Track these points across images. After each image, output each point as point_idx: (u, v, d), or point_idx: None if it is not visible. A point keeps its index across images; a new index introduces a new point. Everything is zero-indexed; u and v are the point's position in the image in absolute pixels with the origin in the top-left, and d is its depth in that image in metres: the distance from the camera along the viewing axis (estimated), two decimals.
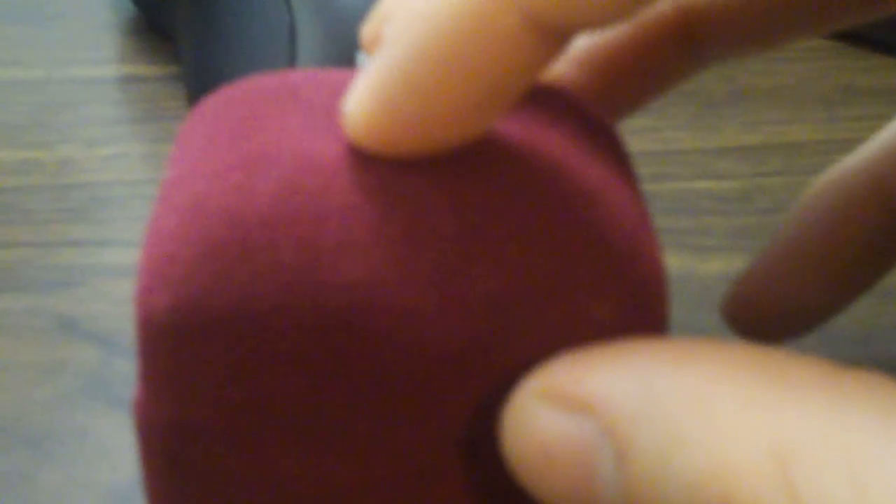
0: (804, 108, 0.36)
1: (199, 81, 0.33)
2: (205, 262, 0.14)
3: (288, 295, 0.14)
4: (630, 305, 0.15)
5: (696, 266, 0.28)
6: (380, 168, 0.15)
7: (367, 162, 0.15)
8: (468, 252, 0.15)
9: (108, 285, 0.27)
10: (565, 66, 0.21)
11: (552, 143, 0.16)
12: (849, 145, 0.33)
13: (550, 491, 0.14)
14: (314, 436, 0.15)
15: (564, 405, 0.13)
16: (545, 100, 0.17)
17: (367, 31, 0.16)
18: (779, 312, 0.22)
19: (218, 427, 0.15)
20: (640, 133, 0.34)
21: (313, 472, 0.16)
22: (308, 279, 0.14)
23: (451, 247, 0.15)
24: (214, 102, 0.17)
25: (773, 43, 0.21)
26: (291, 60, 0.31)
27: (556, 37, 0.14)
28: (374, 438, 0.15)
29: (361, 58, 0.31)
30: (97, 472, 0.21)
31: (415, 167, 0.15)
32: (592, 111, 0.18)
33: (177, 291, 0.14)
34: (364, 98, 0.15)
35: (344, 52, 0.31)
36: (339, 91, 0.17)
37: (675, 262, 0.28)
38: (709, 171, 0.32)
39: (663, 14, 0.20)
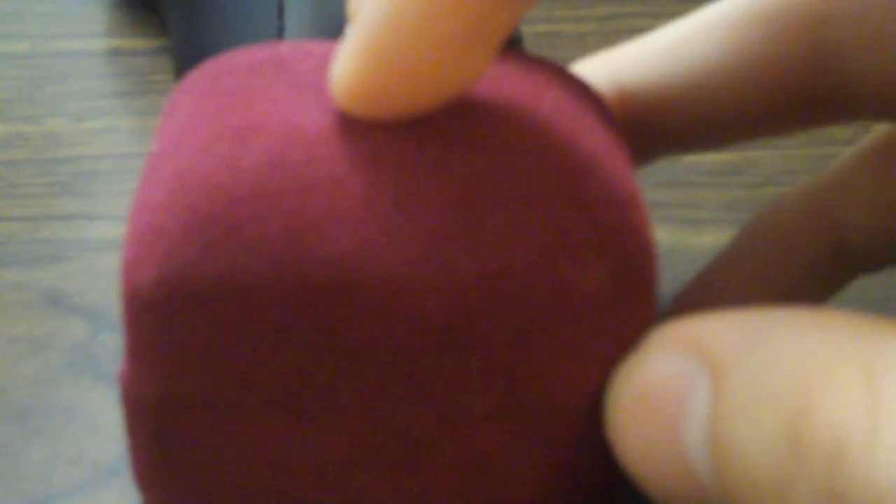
0: None
1: (186, 55, 0.32)
2: (191, 234, 0.14)
3: (275, 267, 0.14)
4: (617, 278, 0.15)
5: (688, 239, 0.28)
6: (367, 139, 0.15)
7: (354, 133, 0.15)
8: (457, 224, 0.14)
9: (96, 259, 0.27)
10: None
11: (543, 112, 0.16)
12: None
13: (638, 438, 0.14)
14: (302, 408, 0.15)
15: (672, 347, 0.14)
16: (536, 69, 0.17)
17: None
18: None
19: (205, 400, 0.15)
20: None
21: (301, 445, 0.15)
22: (295, 251, 0.14)
23: (440, 218, 0.14)
24: (200, 75, 0.17)
25: (718, 144, 0.21)
26: (279, 35, 0.30)
27: None
28: (362, 411, 0.15)
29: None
30: (84, 448, 0.21)
31: (402, 138, 0.15)
32: (584, 82, 0.18)
33: (163, 265, 0.14)
34: (351, 53, 0.15)
35: (333, 26, 0.31)
36: (326, 63, 0.16)
37: (666, 236, 0.28)
38: None
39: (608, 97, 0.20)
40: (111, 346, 0.24)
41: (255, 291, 0.14)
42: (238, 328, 0.14)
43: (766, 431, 0.12)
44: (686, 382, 0.14)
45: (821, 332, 0.13)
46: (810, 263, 0.21)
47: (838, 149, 0.31)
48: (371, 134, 0.15)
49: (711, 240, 0.28)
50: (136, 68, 0.35)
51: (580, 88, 0.17)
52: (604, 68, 0.20)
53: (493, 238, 0.14)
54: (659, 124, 0.20)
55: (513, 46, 0.28)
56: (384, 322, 0.14)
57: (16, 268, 0.26)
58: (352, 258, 0.14)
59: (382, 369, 0.15)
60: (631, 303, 0.15)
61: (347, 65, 0.15)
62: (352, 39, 0.15)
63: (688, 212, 0.29)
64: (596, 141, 0.16)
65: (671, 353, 0.14)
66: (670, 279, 0.26)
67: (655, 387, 0.14)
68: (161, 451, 0.16)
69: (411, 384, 0.15)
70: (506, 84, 0.16)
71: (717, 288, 0.21)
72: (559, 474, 0.16)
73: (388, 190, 0.14)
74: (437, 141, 0.15)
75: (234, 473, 0.16)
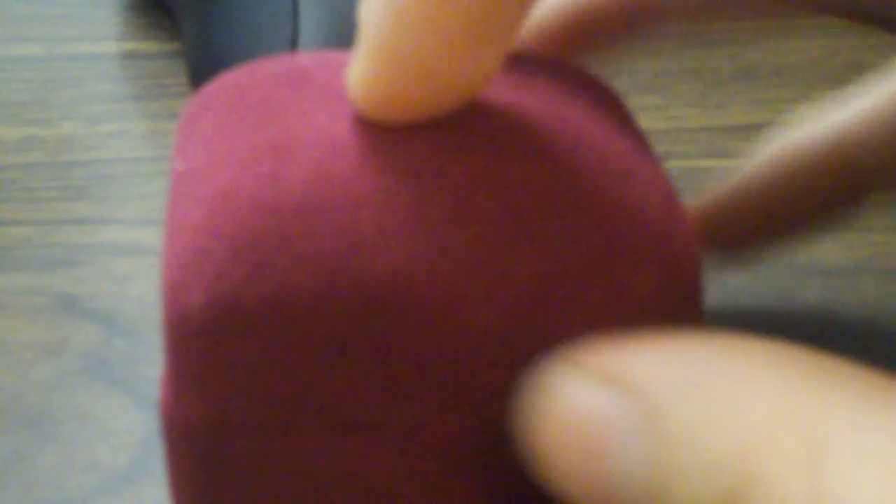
0: (813, 85, 0.35)
1: (200, 58, 0.32)
2: (240, 254, 0.14)
3: (329, 284, 0.14)
4: (668, 277, 0.15)
5: None
6: (411, 149, 0.15)
7: (397, 144, 0.15)
8: (509, 232, 0.14)
9: (110, 264, 0.26)
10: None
11: (576, 114, 0.16)
12: None
13: (560, 464, 0.14)
14: (353, 425, 0.15)
15: (598, 379, 0.13)
16: (557, 73, 0.17)
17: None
18: (721, 245, 0.23)
19: (256, 424, 0.15)
20: (646, 111, 0.34)
21: (350, 462, 0.15)
22: (349, 267, 0.14)
23: (492, 228, 0.14)
24: (218, 90, 0.17)
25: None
26: (293, 38, 0.30)
27: None
28: (414, 425, 0.15)
29: None
30: (97, 454, 0.21)
31: (446, 147, 0.15)
32: (599, 80, 0.18)
33: (212, 287, 0.14)
34: (360, 56, 0.15)
35: (347, 29, 0.30)
36: None
37: None
38: (716, 150, 0.32)
39: None
40: (125, 352, 0.24)
41: (309, 309, 0.14)
42: (292, 348, 0.14)
43: (704, 495, 0.12)
44: (616, 420, 0.13)
45: (766, 383, 0.12)
46: (823, 199, 0.21)
47: None
48: (414, 145, 0.15)
49: None
50: (150, 71, 0.35)
51: (599, 88, 0.17)
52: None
53: (546, 244, 0.14)
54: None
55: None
56: (439, 334, 0.14)
57: (29, 272, 0.26)
58: (406, 272, 0.14)
59: (437, 382, 0.15)
60: (682, 302, 0.15)
61: (358, 67, 0.15)
62: (360, 42, 0.15)
63: None
64: (631, 144, 0.16)
65: (596, 386, 0.13)
66: None
67: (581, 417, 0.13)
68: (207, 477, 0.15)
69: (466, 395, 0.15)
70: (535, 87, 0.16)
71: (728, 209, 0.22)
72: None
73: (437, 201, 0.14)
74: (480, 149, 0.15)
75: (281, 494, 0.15)
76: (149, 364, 0.24)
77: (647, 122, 0.33)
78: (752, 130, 0.33)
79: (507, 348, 0.14)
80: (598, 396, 0.13)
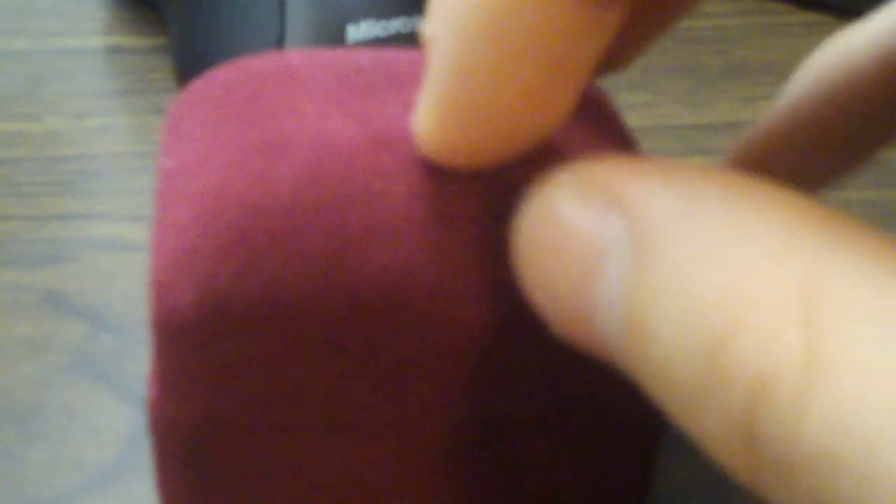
0: None
1: (186, 54, 0.32)
2: (229, 253, 0.14)
3: (317, 283, 0.14)
4: None
5: None
6: (402, 150, 0.15)
7: (387, 145, 0.15)
8: (499, 233, 0.14)
9: (96, 259, 0.26)
10: None
11: (566, 127, 0.16)
12: None
13: (548, 288, 0.13)
14: (343, 425, 0.15)
15: (594, 198, 0.12)
16: None
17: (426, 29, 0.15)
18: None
19: (244, 423, 0.15)
20: (633, 108, 0.34)
21: (341, 462, 0.15)
22: (337, 266, 0.14)
23: (480, 227, 0.14)
24: (205, 87, 0.16)
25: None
26: (280, 32, 0.30)
27: None
28: (404, 424, 0.15)
29: (352, 31, 0.30)
30: (84, 451, 0.21)
31: None
32: (597, 92, 0.18)
33: (201, 285, 0.14)
34: (427, 108, 0.14)
35: (333, 24, 0.30)
36: (341, 72, 0.16)
37: None
38: (704, 147, 0.32)
39: None
40: (111, 348, 0.24)
41: (298, 309, 0.14)
42: (281, 347, 0.14)
43: (685, 338, 0.11)
44: (606, 244, 0.12)
45: (768, 227, 0.11)
46: (871, 112, 0.20)
47: None
48: (404, 145, 0.15)
49: None
50: (136, 66, 0.35)
51: (596, 102, 0.17)
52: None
53: None
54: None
55: None
56: (429, 333, 0.14)
57: (15, 268, 0.26)
58: (395, 271, 0.14)
59: (426, 380, 0.15)
60: None
61: (426, 115, 0.14)
62: (427, 92, 0.14)
63: None
64: (613, 143, 0.16)
65: (590, 201, 0.12)
66: None
67: (572, 237, 0.12)
68: (194, 475, 0.15)
69: (456, 394, 0.15)
70: None
71: (776, 140, 0.21)
72: (598, 484, 0.16)
73: (427, 201, 0.14)
74: None
75: (270, 493, 0.15)
76: (135, 360, 0.23)
77: (634, 119, 0.33)
78: (739, 127, 0.33)
79: (500, 347, 0.14)
80: (592, 218, 0.12)
